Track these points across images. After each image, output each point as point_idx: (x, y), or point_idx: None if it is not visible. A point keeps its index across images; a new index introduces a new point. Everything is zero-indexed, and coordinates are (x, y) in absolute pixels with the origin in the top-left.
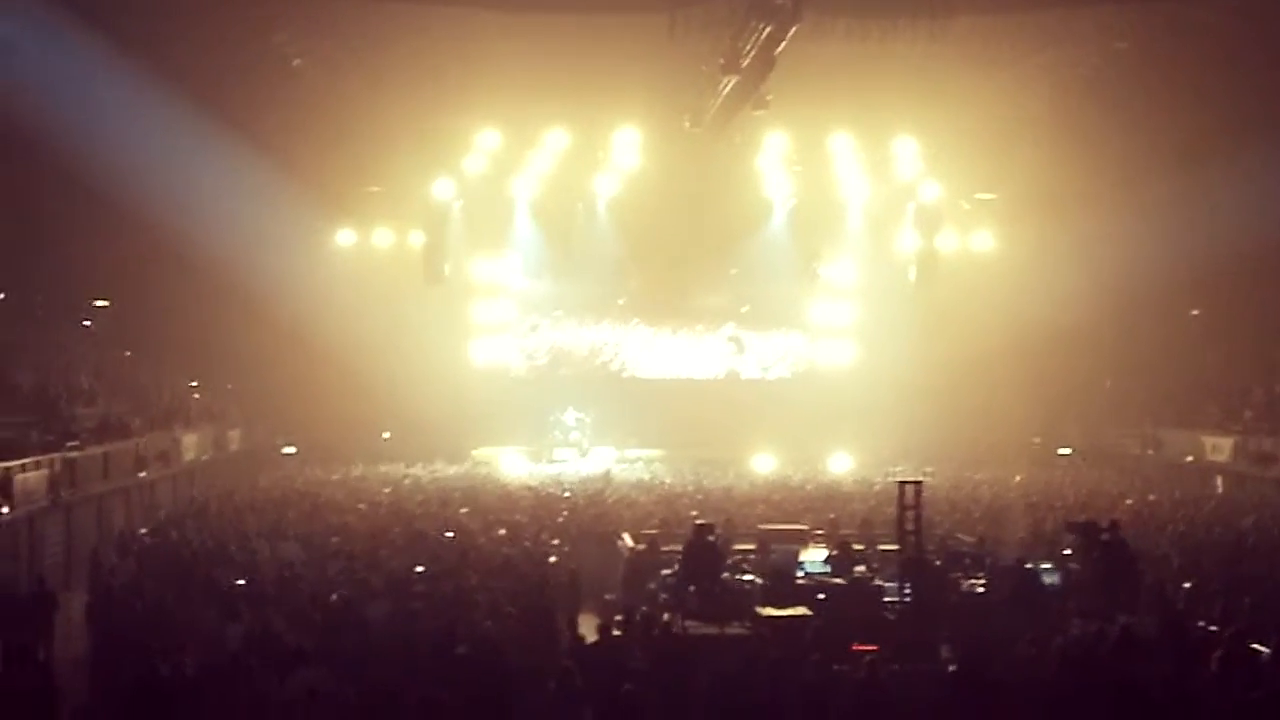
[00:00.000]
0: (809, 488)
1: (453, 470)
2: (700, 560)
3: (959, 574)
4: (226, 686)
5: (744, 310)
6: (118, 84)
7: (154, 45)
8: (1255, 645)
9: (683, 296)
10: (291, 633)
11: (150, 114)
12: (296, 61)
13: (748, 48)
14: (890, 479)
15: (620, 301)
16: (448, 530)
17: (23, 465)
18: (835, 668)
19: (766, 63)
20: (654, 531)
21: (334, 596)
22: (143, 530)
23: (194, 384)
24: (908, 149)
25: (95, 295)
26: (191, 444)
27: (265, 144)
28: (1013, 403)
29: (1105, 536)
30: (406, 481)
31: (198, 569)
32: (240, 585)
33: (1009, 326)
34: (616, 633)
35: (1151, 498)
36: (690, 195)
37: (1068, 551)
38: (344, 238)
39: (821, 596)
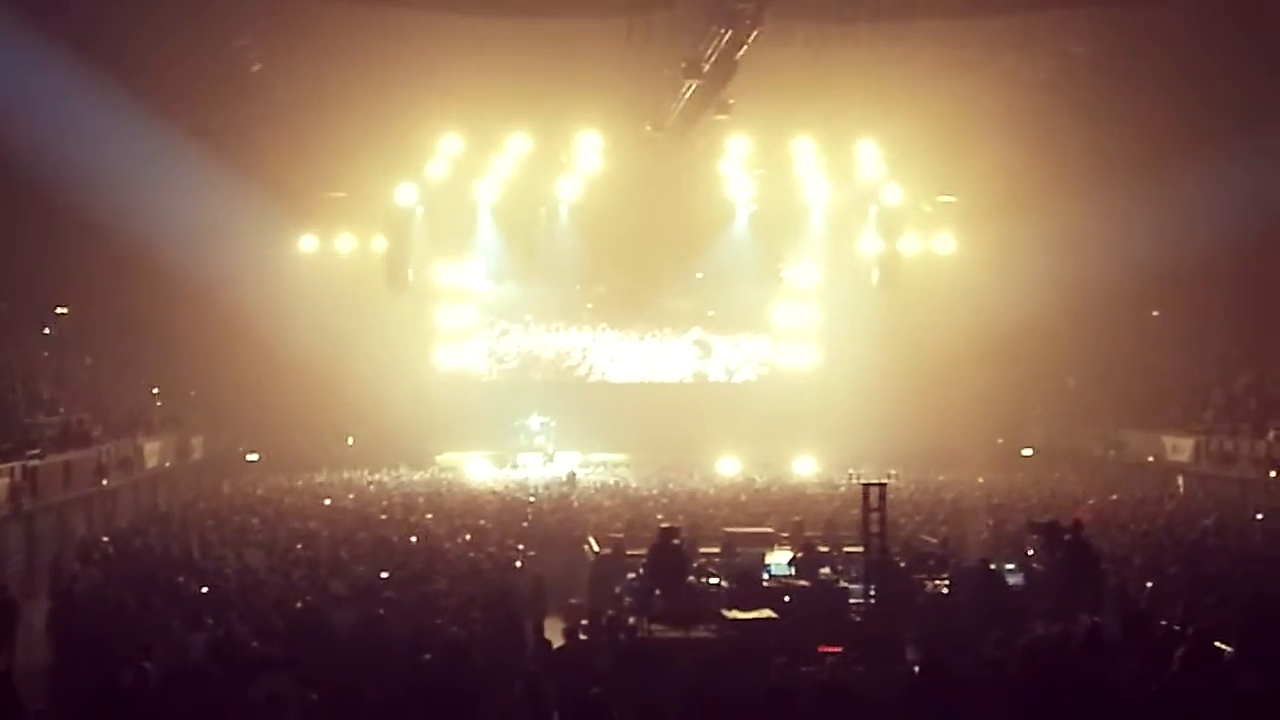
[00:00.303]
0: (773, 490)
1: (417, 476)
2: (666, 564)
3: (923, 575)
4: (190, 694)
5: (710, 314)
6: (76, 89)
7: (114, 51)
8: (1218, 644)
9: (648, 301)
10: (256, 640)
11: (110, 119)
12: (257, 66)
13: (709, 52)
14: (854, 481)
15: (588, 306)
16: (413, 536)
17: None
18: (801, 669)
19: (728, 67)
20: (619, 535)
21: (299, 603)
22: (105, 538)
23: (156, 391)
24: (869, 152)
25: (56, 302)
26: (154, 452)
27: (227, 150)
28: (975, 404)
29: (1068, 537)
30: (371, 488)
31: (161, 576)
32: (204, 593)
33: (971, 328)
34: (583, 637)
35: (1113, 497)
36: (653, 199)
37: (1031, 552)
38: (307, 244)
39: (787, 598)
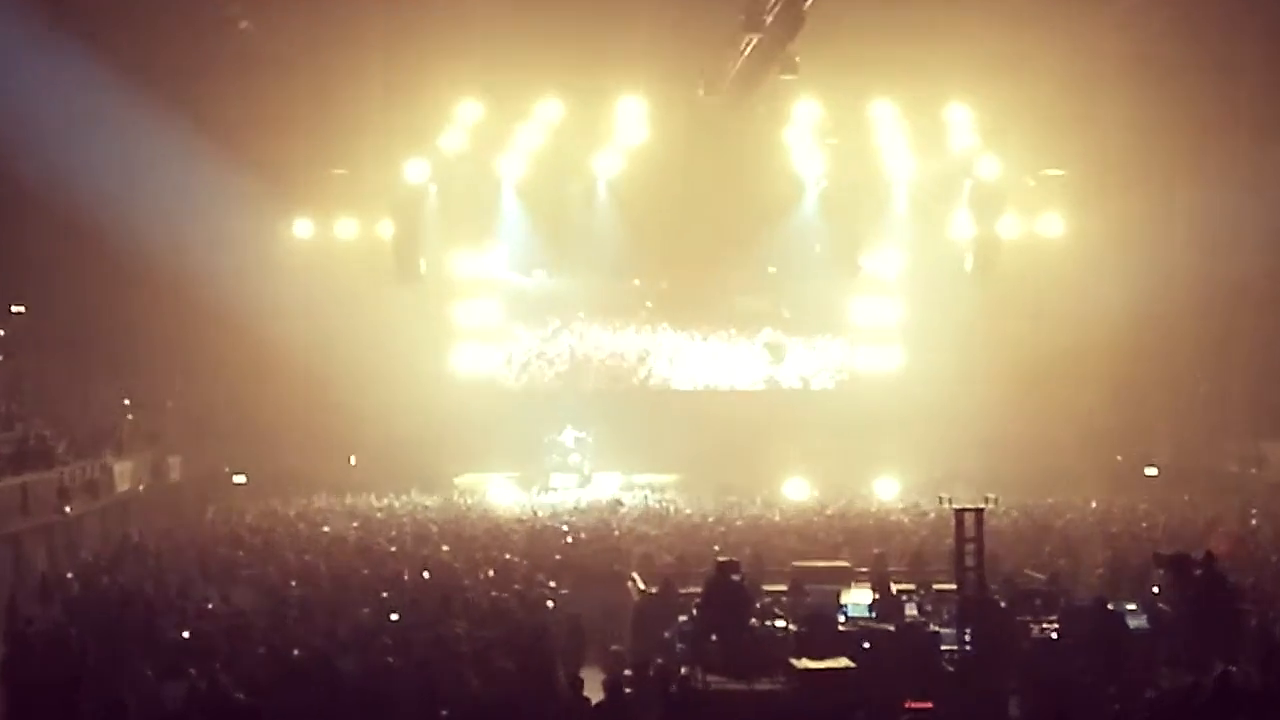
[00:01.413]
0: (850, 517)
1: (431, 501)
2: (723, 604)
3: (1028, 617)
4: None
5: (785, 315)
6: (31, 48)
7: (83, 13)
8: None
9: (700, 294)
10: (243, 692)
11: (73, 86)
12: (244, 23)
13: (771, 2)
14: (945, 506)
15: (647, 304)
16: (426, 572)
17: None
18: None
19: (794, 19)
20: (669, 570)
21: (293, 650)
22: (68, 574)
23: (127, 402)
24: (962, 118)
25: (10, 299)
26: (125, 473)
27: (210, 121)
28: (1089, 414)
29: (1199, 571)
30: (378, 515)
31: (133, 619)
32: (183, 637)
33: (1084, 324)
34: (626, 690)
35: (1254, 523)
36: (707, 175)
37: (1156, 589)
38: (301, 229)
39: (866, 645)
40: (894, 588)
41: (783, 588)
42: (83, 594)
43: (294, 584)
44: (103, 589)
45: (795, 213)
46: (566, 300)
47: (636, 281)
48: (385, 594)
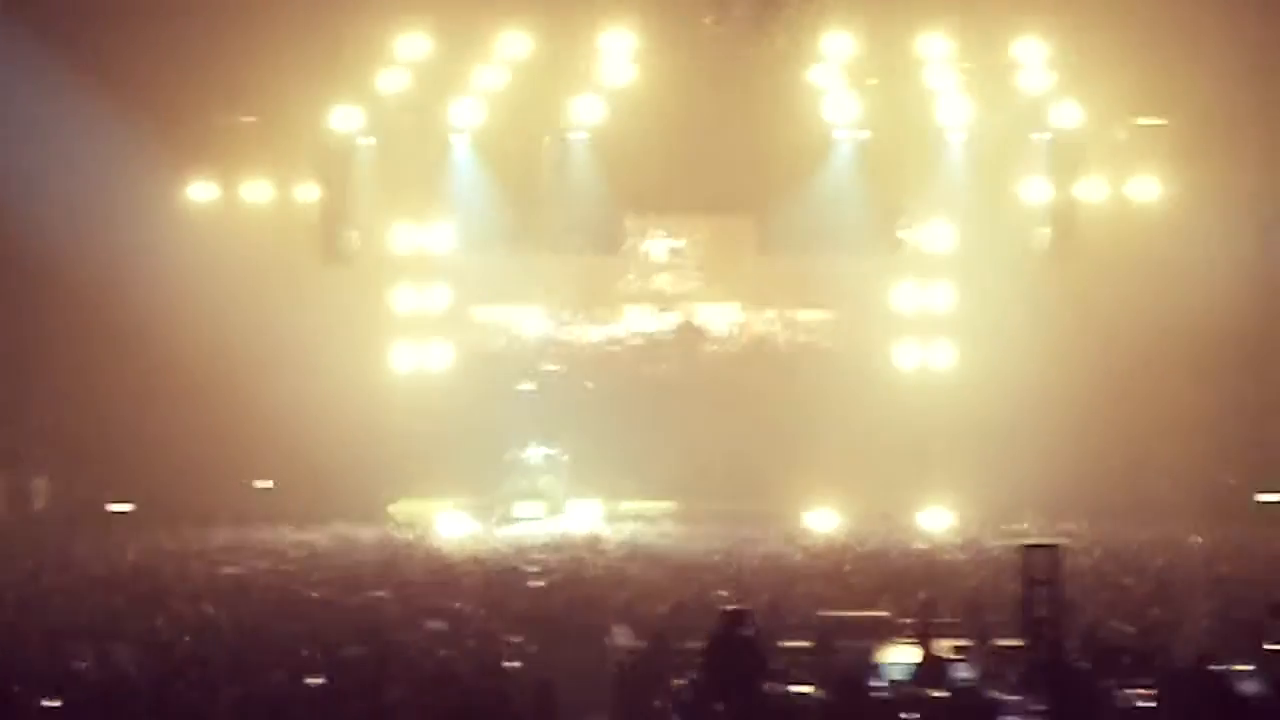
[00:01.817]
0: (890, 555)
1: (364, 535)
2: (731, 664)
3: (1114, 681)
4: None
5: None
6: None
7: None
8: None
9: (704, 270)
10: None
11: None
12: None
13: None
14: (1010, 541)
15: (627, 277)
16: (356, 622)
17: None
18: None
19: None
20: (662, 622)
21: None
22: None
23: None
24: (1033, 55)
25: None
26: None
27: (82, 57)
28: (1191, 427)
29: None
30: (295, 553)
31: None
32: (49, 708)
33: (1184, 313)
34: None
35: None
36: (711, 125)
37: (1272, 646)
38: (200, 192)
39: (911, 716)
40: (944, 644)
41: (806, 644)
42: None
43: (187, 640)
44: None
45: (823, 171)
46: (534, 283)
47: (620, 260)
48: (304, 653)
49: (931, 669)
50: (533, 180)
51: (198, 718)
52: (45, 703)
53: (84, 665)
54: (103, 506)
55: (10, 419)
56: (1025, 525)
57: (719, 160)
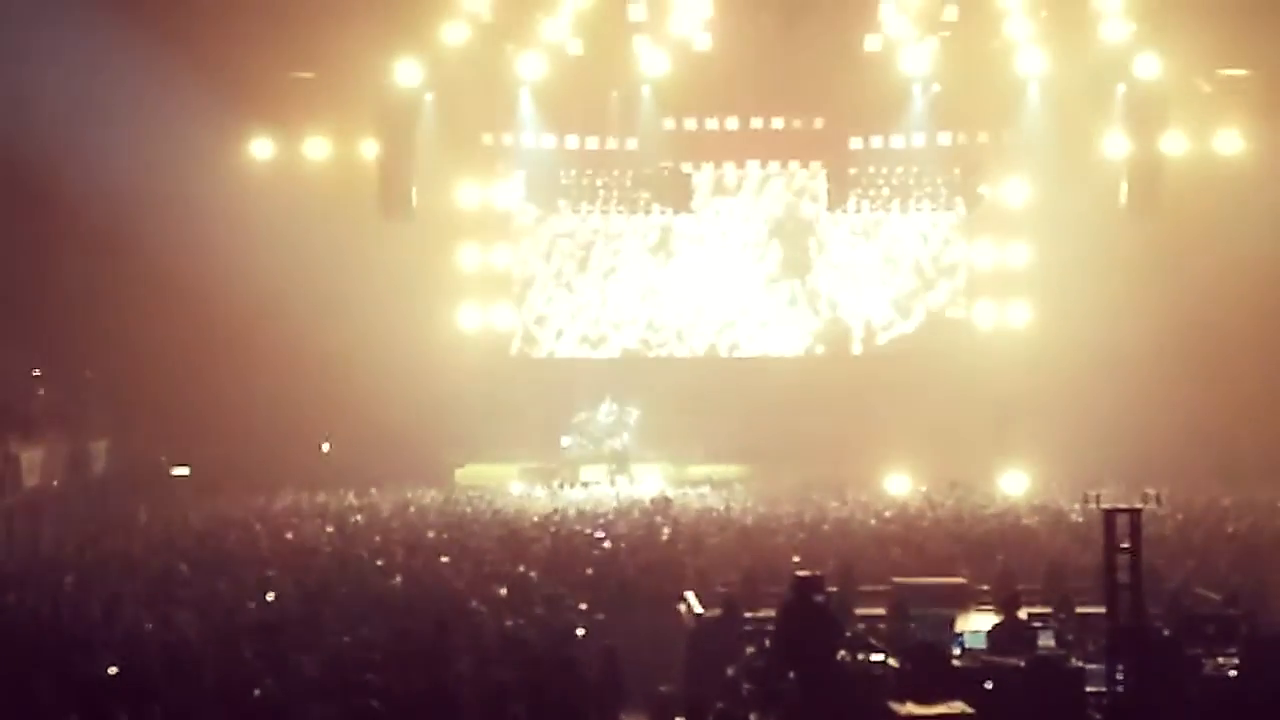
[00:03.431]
0: (967, 521)
1: (428, 499)
2: (804, 632)
3: (1199, 649)
4: None
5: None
6: None
7: None
8: None
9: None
10: None
11: None
12: None
13: None
14: (1092, 506)
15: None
16: (421, 589)
17: None
18: None
19: None
20: (733, 589)
21: (253, 690)
22: None
23: (38, 374)
24: (1113, 4)
25: None
26: (35, 463)
27: (144, 14)
28: (1278, 387)
29: None
30: (358, 518)
31: (47, 650)
32: (110, 674)
33: (1269, 269)
34: None
35: None
36: (784, 76)
37: None
38: (260, 149)
39: (989, 685)
40: (1024, 612)
41: (881, 611)
42: None
43: (251, 606)
44: (8, 611)
45: (896, 122)
46: (602, 240)
47: (692, 214)
48: (368, 619)
49: (1011, 636)
50: (599, 134)
51: (260, 684)
52: (108, 669)
53: (146, 631)
54: (164, 470)
55: (69, 381)
56: (1106, 489)
57: (790, 113)
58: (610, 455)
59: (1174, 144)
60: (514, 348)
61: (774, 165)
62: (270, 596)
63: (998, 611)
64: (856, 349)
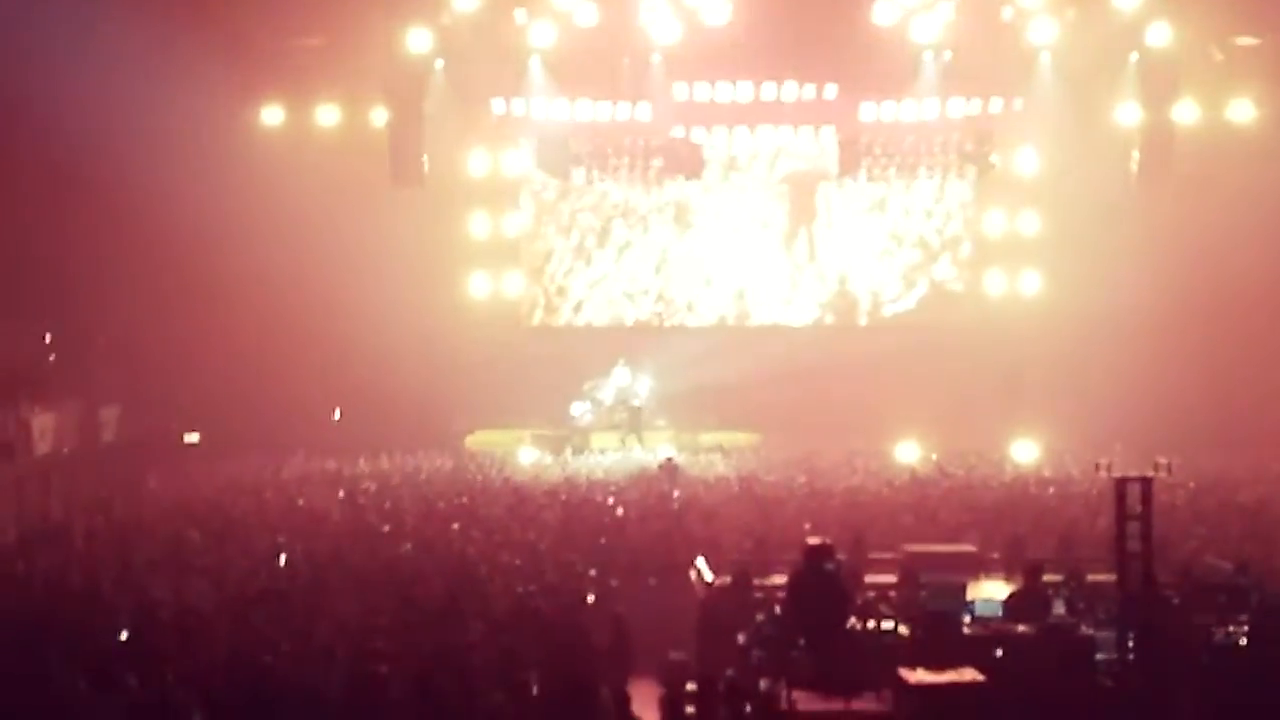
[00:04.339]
0: (978, 488)
1: (438, 466)
2: (815, 599)
3: (1209, 617)
4: None
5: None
6: None
7: None
8: None
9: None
10: (199, 708)
11: None
12: None
13: None
14: (1103, 474)
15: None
16: (432, 556)
17: None
18: None
19: None
20: (744, 557)
21: (264, 658)
22: None
23: (49, 339)
24: None
25: None
26: (45, 429)
27: None
28: None
29: None
30: (368, 485)
31: (57, 617)
32: (121, 640)
33: None
34: (689, 710)
35: None
36: (793, 37)
37: None
38: (271, 116)
39: (999, 653)
40: (1034, 579)
41: (892, 579)
42: None
43: (261, 574)
44: (16, 579)
45: (910, 88)
46: (615, 208)
47: (706, 183)
48: (378, 586)
49: (1021, 604)
50: (611, 101)
51: (273, 652)
52: (120, 636)
53: (156, 598)
54: (175, 436)
55: (80, 347)
56: (1117, 458)
57: (802, 80)
58: (621, 423)
59: (1186, 112)
60: (527, 316)
61: (785, 133)
62: (281, 561)
63: (1013, 579)
64: (863, 320)
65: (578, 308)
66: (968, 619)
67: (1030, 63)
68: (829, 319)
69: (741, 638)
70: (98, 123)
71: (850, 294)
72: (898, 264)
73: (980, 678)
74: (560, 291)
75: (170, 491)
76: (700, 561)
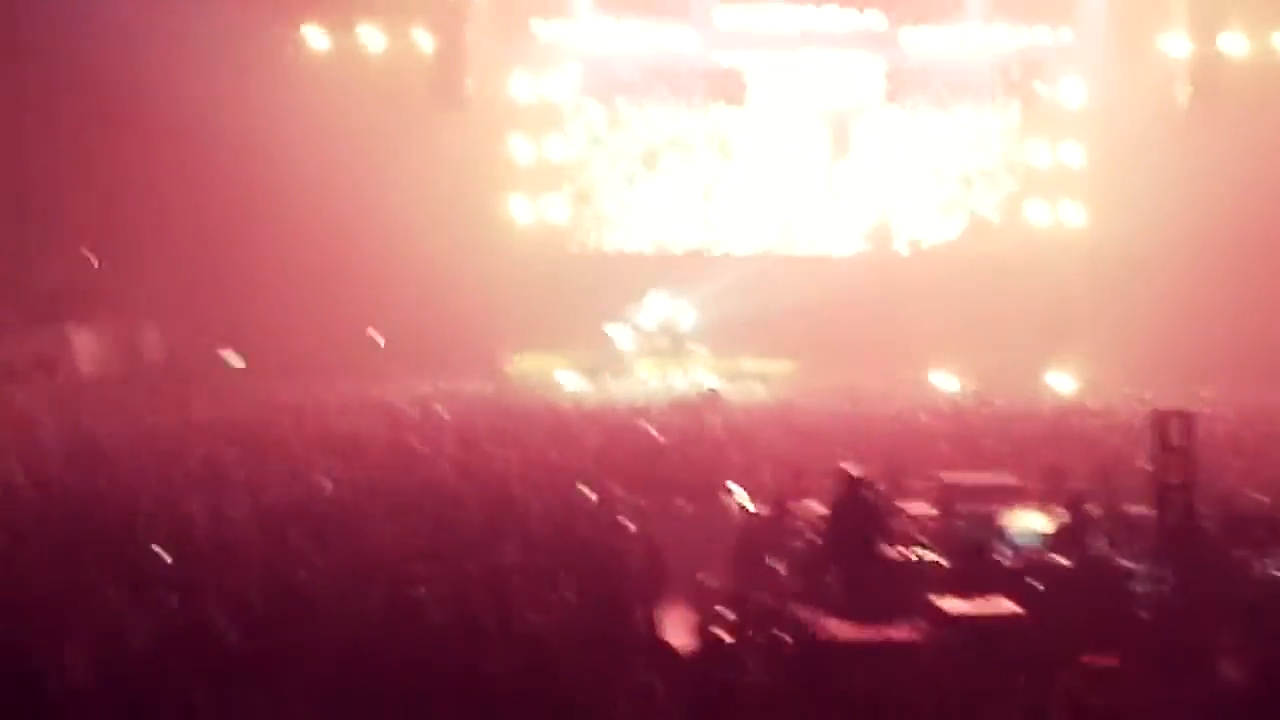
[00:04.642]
0: (1016, 419)
1: (480, 390)
2: (850, 527)
3: (1249, 550)
4: (125, 705)
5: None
6: None
7: None
8: None
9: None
10: (235, 628)
11: None
12: None
13: None
14: (1143, 405)
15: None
16: (468, 479)
17: None
18: (1058, 691)
19: None
20: (782, 484)
21: (300, 574)
22: (16, 475)
23: (92, 259)
24: None
25: None
26: (88, 348)
27: None
28: None
29: None
30: (411, 409)
31: (94, 533)
32: (159, 558)
33: None
34: (722, 635)
35: None
36: None
37: None
38: (314, 39)
39: (1036, 583)
40: (1073, 510)
41: (928, 509)
42: (32, 501)
43: (301, 492)
44: (57, 495)
45: (955, 18)
46: (659, 134)
47: (748, 110)
48: (418, 507)
49: (1059, 536)
50: (659, 24)
51: (312, 572)
52: (157, 554)
53: (192, 518)
54: (218, 358)
55: (123, 267)
56: (1156, 390)
57: (848, 3)
58: (663, 349)
59: (1235, 44)
60: (568, 241)
61: (830, 59)
62: (323, 482)
63: (1046, 510)
64: (904, 250)
65: (620, 232)
66: (1004, 550)
67: None
68: (869, 249)
69: (776, 564)
70: (141, 42)
71: (890, 224)
72: (940, 194)
73: (1016, 609)
74: (602, 217)
75: (211, 412)
76: (737, 489)
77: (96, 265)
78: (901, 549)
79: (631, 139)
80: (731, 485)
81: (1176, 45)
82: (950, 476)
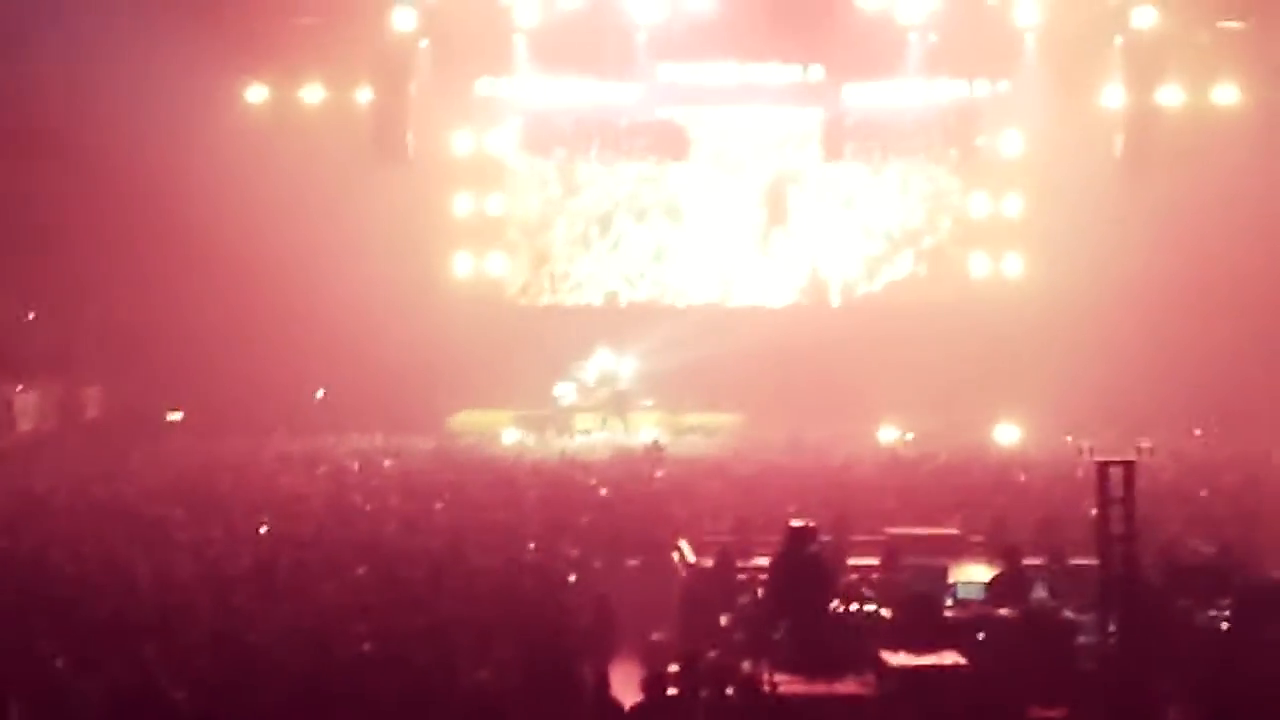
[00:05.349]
0: (961, 471)
1: (421, 446)
2: (798, 581)
3: (1191, 600)
4: None
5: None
6: None
7: None
8: None
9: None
10: (182, 688)
11: None
12: None
13: None
14: (1085, 457)
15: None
16: (413, 535)
17: None
18: None
19: None
20: (726, 538)
21: (246, 637)
22: None
23: (32, 317)
24: None
25: None
26: (28, 407)
27: None
28: (1273, 339)
29: None
30: (351, 464)
31: (37, 594)
32: (103, 619)
33: (1264, 223)
34: (670, 691)
35: None
36: (778, 17)
37: None
38: (255, 95)
39: (981, 636)
40: (1016, 562)
41: (874, 561)
42: None
43: (244, 552)
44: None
45: (892, 70)
46: (600, 191)
47: (691, 165)
48: (359, 566)
49: (1003, 588)
50: (597, 83)
51: (257, 632)
52: (101, 615)
53: (138, 576)
54: (158, 415)
55: (62, 323)
56: (1098, 440)
57: (787, 61)
58: (604, 404)
59: (1171, 96)
60: (510, 296)
61: (770, 114)
62: (263, 531)
63: (994, 562)
64: (837, 302)
65: (561, 289)
66: (950, 602)
67: (1016, 45)
68: (806, 302)
69: (724, 619)
70: (83, 99)
71: (825, 279)
72: (879, 246)
73: (962, 661)
74: (544, 273)
75: (153, 470)
76: (683, 543)
77: (31, 318)
78: (848, 602)
79: (572, 194)
80: (678, 540)
81: (1113, 97)
82: (895, 529)
